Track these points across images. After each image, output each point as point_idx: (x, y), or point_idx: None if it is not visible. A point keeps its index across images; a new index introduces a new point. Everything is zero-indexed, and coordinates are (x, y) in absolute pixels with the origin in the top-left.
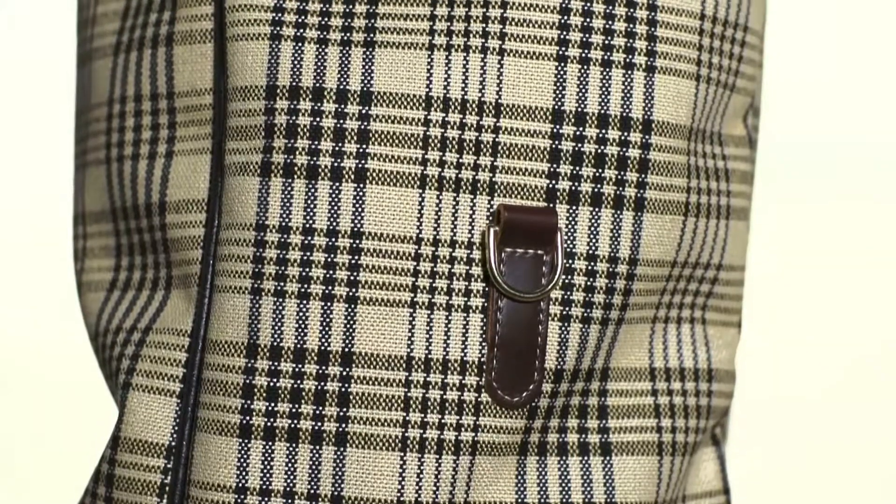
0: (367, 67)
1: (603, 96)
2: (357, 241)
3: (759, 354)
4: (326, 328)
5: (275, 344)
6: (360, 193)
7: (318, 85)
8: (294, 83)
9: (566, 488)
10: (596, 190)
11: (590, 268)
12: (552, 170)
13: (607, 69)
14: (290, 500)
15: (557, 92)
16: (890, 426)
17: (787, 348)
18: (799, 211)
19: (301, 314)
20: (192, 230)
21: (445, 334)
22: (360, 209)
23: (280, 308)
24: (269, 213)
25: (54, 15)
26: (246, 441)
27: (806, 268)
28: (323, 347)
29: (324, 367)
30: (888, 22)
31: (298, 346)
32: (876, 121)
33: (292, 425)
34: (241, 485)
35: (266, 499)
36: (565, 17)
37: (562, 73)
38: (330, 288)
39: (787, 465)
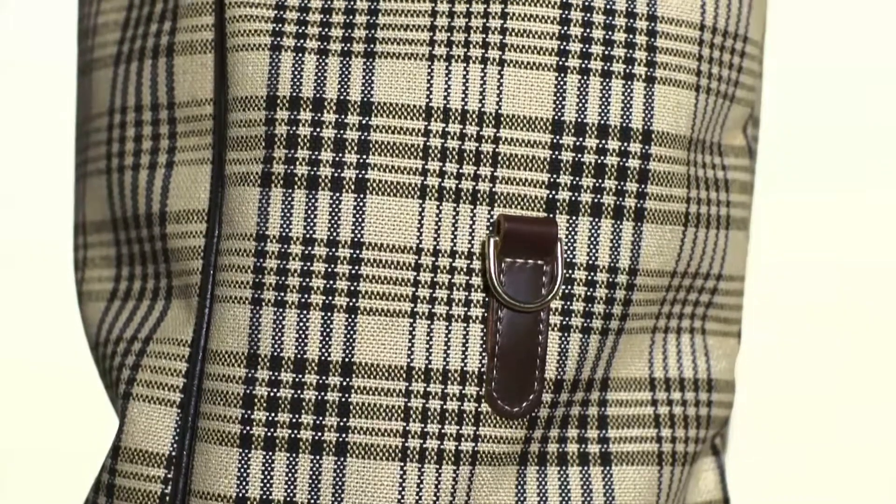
0: (367, 78)
1: (603, 107)
2: (357, 252)
3: (759, 363)
4: (327, 338)
5: (275, 354)
6: (361, 204)
7: (318, 95)
8: (294, 93)
9: (566, 498)
10: (596, 200)
11: (590, 278)
12: (552, 180)
13: (607, 80)
14: None
15: (557, 102)
16: (892, 433)
17: (787, 356)
18: (799, 216)
19: (301, 324)
20: (193, 240)
21: (445, 344)
22: (360, 219)
23: (280, 318)
24: (270, 224)
25: (54, 23)
26: (246, 451)
27: (806, 274)
28: (323, 357)
29: (324, 378)
30: (889, 26)
31: (299, 356)
32: (877, 124)
33: (293, 435)
34: (241, 495)
35: None
36: (565, 28)
37: (562, 83)
38: (330, 298)
39: (787, 475)
